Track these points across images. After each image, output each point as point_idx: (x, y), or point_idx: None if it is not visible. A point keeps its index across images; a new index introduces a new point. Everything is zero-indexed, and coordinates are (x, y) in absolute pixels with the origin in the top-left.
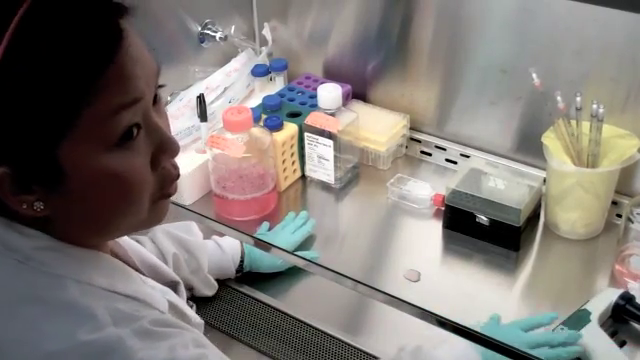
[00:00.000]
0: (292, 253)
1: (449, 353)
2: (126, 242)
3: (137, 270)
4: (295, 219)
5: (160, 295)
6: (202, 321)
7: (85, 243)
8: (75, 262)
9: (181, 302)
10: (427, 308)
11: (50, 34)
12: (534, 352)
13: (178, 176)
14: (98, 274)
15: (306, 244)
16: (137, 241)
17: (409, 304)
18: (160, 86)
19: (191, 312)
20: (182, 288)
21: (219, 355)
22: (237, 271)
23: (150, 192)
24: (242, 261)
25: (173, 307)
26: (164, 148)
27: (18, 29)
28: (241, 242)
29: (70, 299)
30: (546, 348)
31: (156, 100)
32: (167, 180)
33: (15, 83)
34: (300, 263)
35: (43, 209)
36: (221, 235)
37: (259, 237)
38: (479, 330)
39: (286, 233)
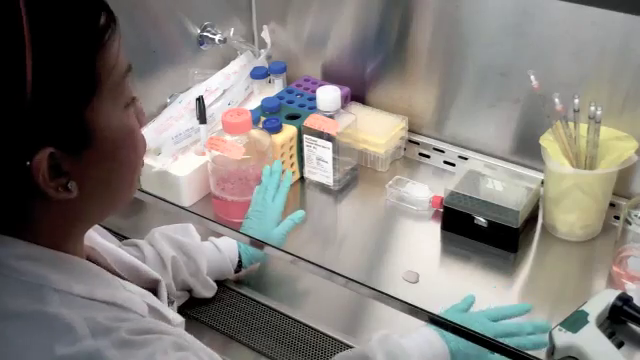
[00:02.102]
0: (291, 254)
1: (415, 341)
2: (102, 246)
3: (115, 273)
4: (271, 176)
5: (139, 299)
6: (182, 319)
7: (70, 241)
8: (55, 270)
9: (161, 305)
10: (425, 309)
11: (62, 7)
12: (498, 340)
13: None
14: (77, 281)
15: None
16: (134, 244)
17: (408, 305)
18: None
19: (172, 313)
20: (163, 288)
21: (205, 353)
22: (237, 270)
23: (142, 156)
24: (240, 260)
25: (153, 310)
26: (141, 114)
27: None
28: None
29: (48, 311)
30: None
31: None
32: (145, 144)
33: (45, 52)
34: (301, 265)
35: (74, 189)
36: (219, 236)
37: (245, 226)
38: (450, 314)
39: (267, 204)
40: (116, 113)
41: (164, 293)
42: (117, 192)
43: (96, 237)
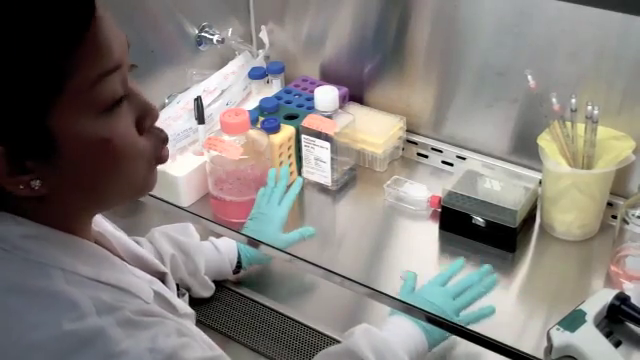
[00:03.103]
0: (291, 254)
1: (394, 332)
2: (111, 233)
3: (122, 260)
4: (278, 184)
5: (146, 284)
6: (192, 311)
7: (77, 225)
8: (61, 250)
9: (168, 292)
10: (424, 309)
11: (26, 5)
12: (457, 302)
13: (167, 138)
14: (83, 262)
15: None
16: (135, 242)
17: (406, 304)
18: (133, 65)
19: (179, 302)
20: (170, 279)
21: (206, 343)
22: (236, 271)
23: (143, 157)
24: (239, 260)
25: (159, 296)
26: (146, 113)
27: None
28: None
29: (55, 288)
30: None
31: (129, 71)
32: (156, 143)
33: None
34: (300, 265)
35: (40, 187)
36: (218, 236)
37: (249, 227)
38: (403, 296)
39: (273, 207)
40: (86, 121)
41: (172, 284)
42: (109, 193)
43: (106, 224)
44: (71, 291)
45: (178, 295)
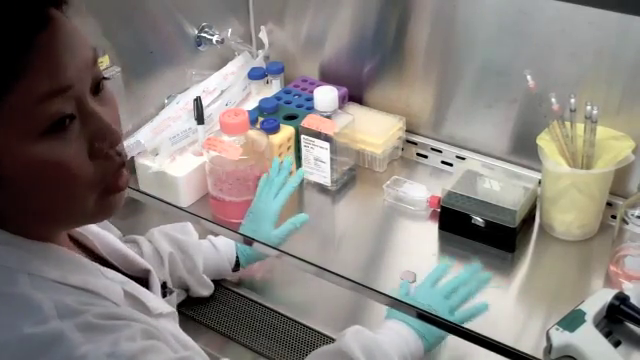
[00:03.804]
0: (290, 254)
1: (385, 333)
2: (93, 232)
3: (102, 259)
4: (278, 173)
5: (116, 286)
6: (172, 310)
7: (37, 235)
8: (27, 255)
9: (144, 292)
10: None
11: None
12: (450, 301)
13: (123, 164)
14: (49, 266)
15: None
16: (134, 241)
17: (405, 304)
18: (104, 78)
19: (156, 302)
20: (154, 277)
21: (181, 342)
22: (235, 269)
23: (91, 183)
24: (238, 259)
25: (130, 297)
26: (101, 136)
27: None
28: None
29: (19, 292)
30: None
31: (99, 88)
32: (108, 169)
33: None
34: (299, 265)
35: None
36: (217, 236)
37: (246, 225)
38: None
39: (268, 200)
40: (27, 142)
41: (156, 282)
42: (59, 216)
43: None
44: (35, 295)
45: (165, 294)
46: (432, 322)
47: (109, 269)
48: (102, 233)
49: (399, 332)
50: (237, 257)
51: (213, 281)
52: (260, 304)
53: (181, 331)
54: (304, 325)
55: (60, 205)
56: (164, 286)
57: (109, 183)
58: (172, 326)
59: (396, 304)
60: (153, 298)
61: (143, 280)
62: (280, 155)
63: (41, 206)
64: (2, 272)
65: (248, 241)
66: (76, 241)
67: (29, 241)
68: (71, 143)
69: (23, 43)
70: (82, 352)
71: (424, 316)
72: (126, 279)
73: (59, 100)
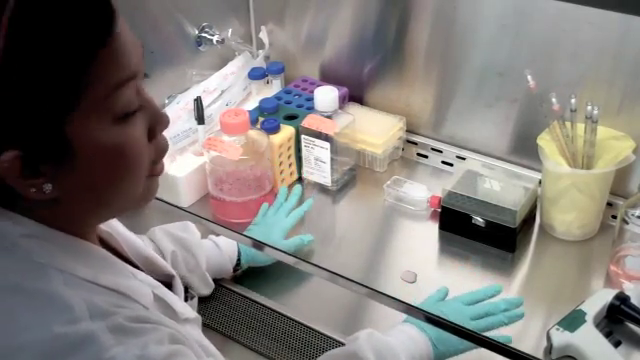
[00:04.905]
0: (289, 254)
1: (398, 338)
2: (121, 234)
3: (130, 262)
4: (289, 198)
5: (147, 288)
6: (198, 316)
7: (80, 228)
8: (61, 251)
9: (172, 297)
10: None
11: (49, 13)
12: (474, 323)
13: (167, 149)
14: (82, 264)
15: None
16: None
17: (405, 304)
18: (145, 74)
19: (183, 307)
20: (178, 282)
21: (203, 347)
22: (235, 269)
23: (147, 167)
24: (239, 258)
25: (160, 301)
26: (158, 120)
27: (15, 12)
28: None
29: (51, 290)
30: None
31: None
32: (159, 153)
33: (19, 64)
34: (299, 265)
35: (51, 191)
36: (218, 235)
37: (252, 231)
38: (426, 305)
39: (280, 217)
40: (102, 128)
41: (180, 287)
42: (111, 199)
43: (117, 225)
44: (67, 294)
45: (186, 299)
46: (441, 326)
47: (140, 271)
48: (128, 234)
49: (411, 335)
50: (238, 257)
51: (213, 280)
52: (260, 304)
53: (204, 337)
54: (304, 325)
55: (121, 188)
56: (185, 290)
57: (154, 167)
58: (196, 332)
59: (409, 309)
60: (180, 303)
61: (166, 284)
62: (280, 155)
63: (103, 190)
64: (35, 268)
65: (254, 244)
66: (102, 241)
67: (65, 236)
68: (136, 128)
69: (102, 39)
70: (112, 354)
71: (436, 321)
72: (157, 283)
73: (126, 89)
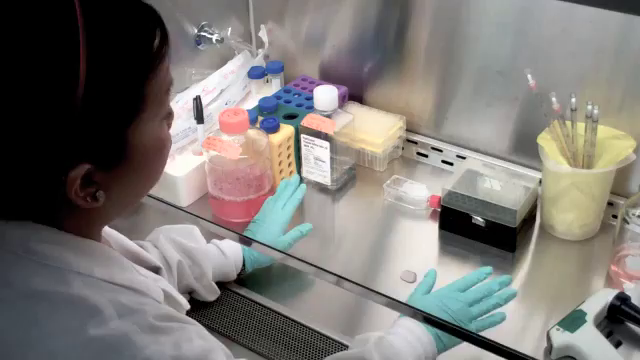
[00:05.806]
0: (290, 255)
1: (406, 340)
2: (106, 232)
3: None
4: (286, 187)
5: (153, 283)
6: (188, 304)
7: (93, 229)
8: (74, 253)
9: (172, 289)
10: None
11: (122, 36)
12: (474, 310)
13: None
14: (97, 265)
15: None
16: (140, 246)
17: (406, 305)
18: None
19: (179, 296)
20: (164, 273)
21: (220, 346)
22: (239, 273)
23: None
24: (244, 263)
25: (166, 294)
26: (171, 115)
27: (89, 33)
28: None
29: (74, 293)
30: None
31: None
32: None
33: (100, 83)
34: (299, 266)
35: (103, 198)
36: (218, 237)
37: (252, 230)
38: (418, 299)
39: (277, 210)
40: (154, 128)
41: (167, 277)
42: (140, 194)
43: None
44: (90, 295)
45: None
46: (445, 329)
47: (140, 267)
48: (112, 230)
49: (417, 335)
50: (243, 261)
51: (216, 283)
52: (263, 306)
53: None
54: (305, 326)
55: (155, 179)
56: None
57: None
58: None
59: (409, 310)
60: (177, 293)
61: None
62: (280, 154)
63: (140, 188)
64: (53, 272)
65: (253, 245)
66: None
67: (74, 237)
68: (167, 128)
69: (163, 53)
70: (147, 354)
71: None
72: (157, 276)
73: (170, 91)
